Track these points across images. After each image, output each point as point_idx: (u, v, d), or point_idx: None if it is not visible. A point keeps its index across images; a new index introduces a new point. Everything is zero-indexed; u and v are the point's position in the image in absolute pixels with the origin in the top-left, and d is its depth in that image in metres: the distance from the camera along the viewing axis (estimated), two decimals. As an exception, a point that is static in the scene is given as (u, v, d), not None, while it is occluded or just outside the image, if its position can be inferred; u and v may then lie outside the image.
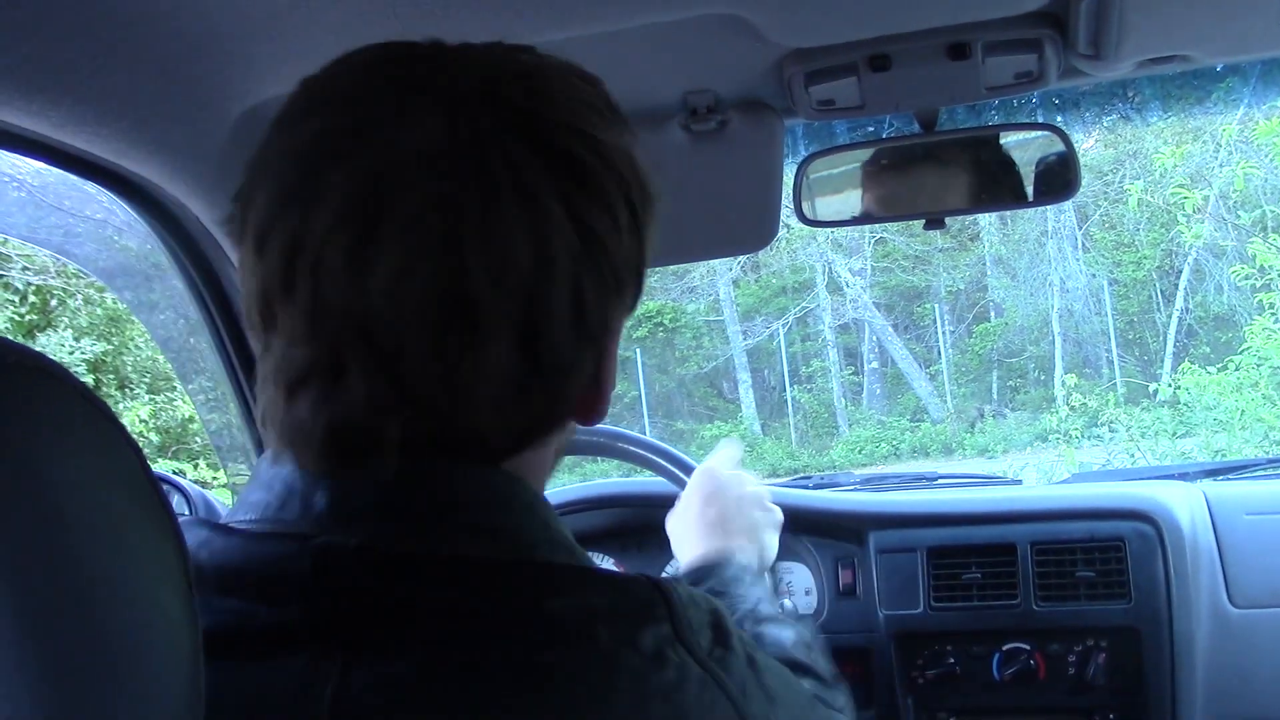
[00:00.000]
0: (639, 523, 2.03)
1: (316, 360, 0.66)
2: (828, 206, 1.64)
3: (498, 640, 0.65)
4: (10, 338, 0.50)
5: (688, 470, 1.59)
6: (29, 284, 11.96)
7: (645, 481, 2.05)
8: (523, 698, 0.63)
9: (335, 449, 0.67)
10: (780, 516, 1.45)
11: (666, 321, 18.32)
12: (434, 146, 0.66)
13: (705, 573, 1.25)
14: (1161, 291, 16.04)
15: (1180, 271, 15.39)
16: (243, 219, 0.69)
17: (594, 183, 0.70)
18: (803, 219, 1.60)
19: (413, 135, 0.66)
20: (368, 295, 0.64)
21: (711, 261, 16.25)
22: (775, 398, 18.33)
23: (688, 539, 1.35)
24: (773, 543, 1.40)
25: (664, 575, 1.94)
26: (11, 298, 12.04)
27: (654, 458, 1.67)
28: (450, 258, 0.64)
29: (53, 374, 0.50)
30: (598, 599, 0.69)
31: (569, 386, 0.73)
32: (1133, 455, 9.82)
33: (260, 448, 1.02)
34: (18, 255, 11.12)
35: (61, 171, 1.31)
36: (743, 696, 0.71)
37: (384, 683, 0.63)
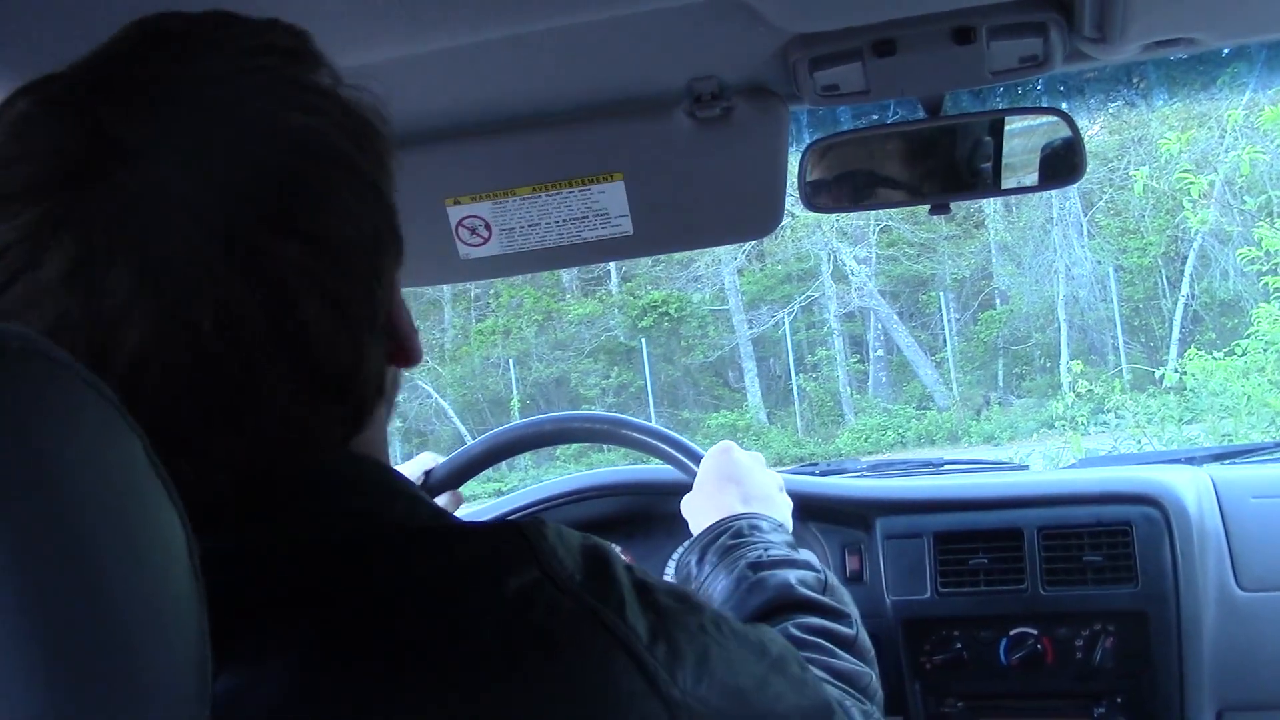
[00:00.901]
0: (645, 510, 2.03)
1: None
2: (833, 193, 1.63)
3: (365, 618, 0.66)
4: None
5: (694, 457, 1.59)
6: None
7: (651, 469, 2.05)
8: (396, 675, 0.64)
9: None
10: (791, 504, 1.46)
11: (672, 311, 18.31)
12: (132, 214, 0.62)
13: (718, 529, 1.26)
14: (1167, 278, 16.01)
15: (1186, 257, 15.36)
16: None
17: (305, 181, 0.67)
18: (808, 205, 1.60)
19: (107, 206, 0.62)
20: (120, 384, 0.60)
21: (716, 250, 16.26)
22: (781, 386, 18.33)
23: (707, 515, 1.35)
24: (789, 522, 1.41)
25: (672, 560, 1.95)
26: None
27: (660, 445, 1.67)
28: (179, 329, 0.62)
29: (55, 358, 0.51)
30: (459, 557, 0.69)
31: (367, 374, 0.72)
32: (1139, 441, 9.82)
33: None
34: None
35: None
36: (622, 620, 0.70)
37: (253, 683, 0.63)
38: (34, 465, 0.47)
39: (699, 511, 1.39)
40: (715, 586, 1.17)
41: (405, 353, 0.78)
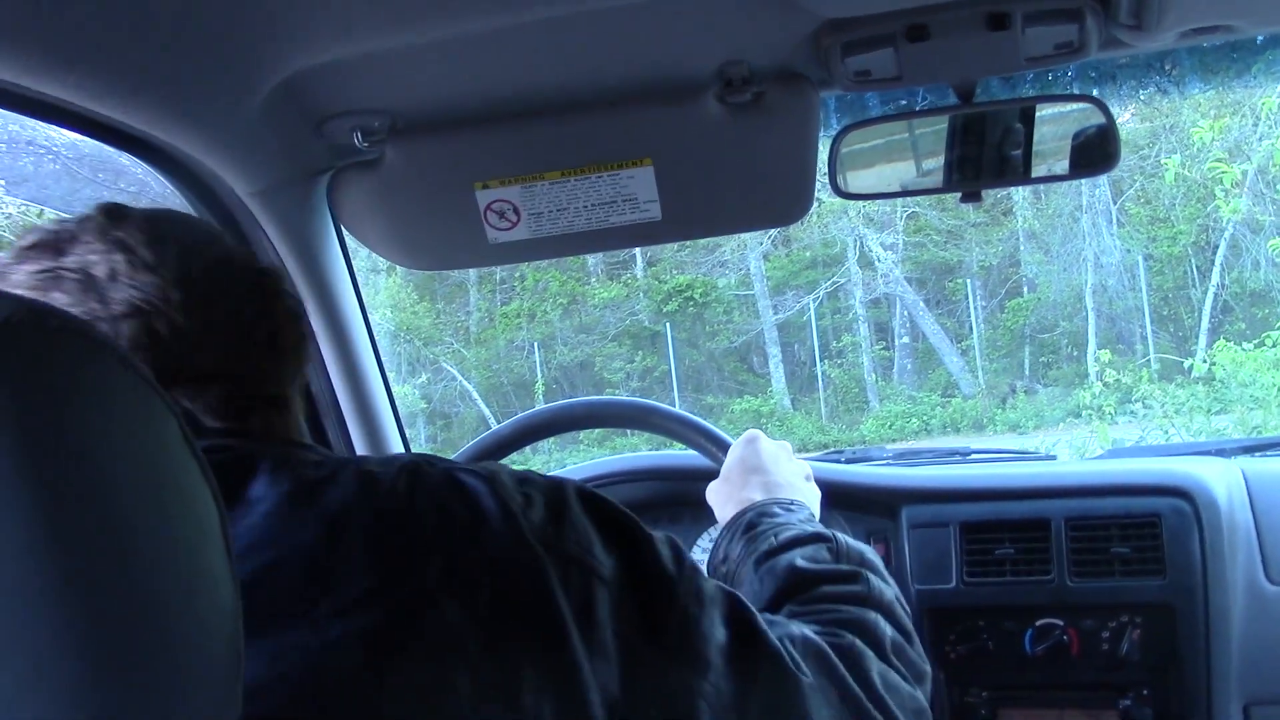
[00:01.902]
0: (671, 495, 2.03)
1: None
2: (863, 179, 1.63)
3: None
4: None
5: (722, 445, 1.59)
6: (64, 256, 12.05)
7: (676, 454, 2.05)
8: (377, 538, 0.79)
9: None
10: (819, 492, 1.45)
11: (696, 296, 18.28)
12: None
13: (733, 525, 1.28)
14: (1197, 267, 15.87)
15: (1216, 247, 15.21)
16: None
17: None
18: (838, 192, 1.59)
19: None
20: None
21: (742, 235, 16.21)
22: (805, 372, 18.28)
23: (729, 506, 1.35)
24: (816, 511, 1.41)
25: (697, 545, 1.95)
26: (47, 270, 12.14)
27: (689, 432, 1.68)
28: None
29: (94, 339, 0.51)
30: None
31: None
32: (1167, 432, 9.76)
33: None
34: (53, 228, 11.20)
35: (96, 143, 1.32)
36: (520, 503, 0.86)
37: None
38: (70, 443, 0.48)
39: (722, 501, 1.39)
40: (742, 581, 1.19)
41: None
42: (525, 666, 0.77)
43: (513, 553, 0.82)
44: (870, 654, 1.03)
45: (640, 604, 0.88)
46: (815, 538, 1.19)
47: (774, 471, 1.40)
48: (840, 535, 1.21)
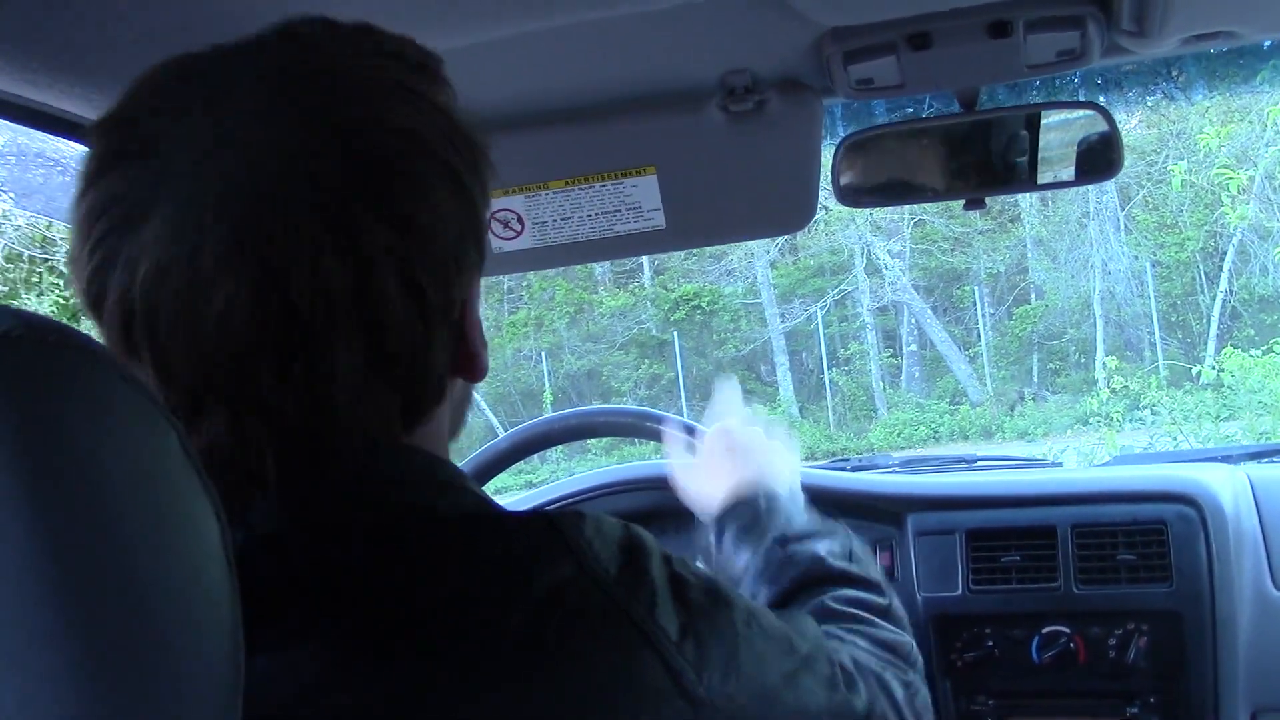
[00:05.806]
0: (677, 504, 2.02)
1: (171, 405, 0.67)
2: (866, 187, 1.63)
3: (396, 609, 0.67)
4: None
5: (686, 430, 1.60)
6: (74, 268, 12.08)
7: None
8: (424, 666, 0.65)
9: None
10: (797, 463, 1.43)
11: (704, 304, 18.29)
12: (236, 179, 0.67)
13: (735, 507, 1.24)
14: (1205, 273, 15.85)
15: (1224, 253, 15.20)
16: (71, 276, 0.72)
17: (403, 172, 0.71)
18: (841, 199, 1.59)
19: (214, 171, 0.67)
20: (206, 337, 0.66)
21: (749, 243, 16.21)
22: (813, 380, 18.27)
23: (714, 496, 1.33)
24: (798, 486, 1.39)
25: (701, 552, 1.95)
26: (57, 281, 12.21)
27: (649, 425, 1.70)
28: (271, 287, 0.66)
29: (93, 353, 0.51)
30: (492, 550, 0.70)
31: (429, 365, 0.75)
32: (1175, 438, 9.72)
33: None
34: (62, 239, 11.27)
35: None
36: (651, 618, 0.71)
37: (286, 667, 0.64)
38: (68, 457, 0.48)
39: (705, 496, 1.35)
40: (739, 563, 1.16)
41: (471, 363, 0.80)
42: None
43: None
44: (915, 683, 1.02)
45: None
46: (831, 533, 1.17)
47: (748, 463, 1.34)
48: (850, 535, 1.19)
